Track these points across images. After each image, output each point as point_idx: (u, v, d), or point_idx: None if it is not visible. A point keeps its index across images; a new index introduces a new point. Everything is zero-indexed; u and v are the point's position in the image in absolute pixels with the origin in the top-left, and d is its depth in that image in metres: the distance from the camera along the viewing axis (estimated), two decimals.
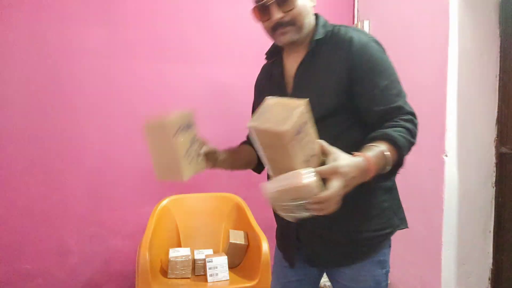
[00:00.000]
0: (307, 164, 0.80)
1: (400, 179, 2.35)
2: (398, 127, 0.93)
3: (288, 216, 0.81)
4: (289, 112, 0.79)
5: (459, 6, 1.93)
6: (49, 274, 2.16)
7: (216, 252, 2.08)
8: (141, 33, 2.28)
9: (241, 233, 2.12)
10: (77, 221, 2.21)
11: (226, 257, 1.94)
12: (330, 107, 1.01)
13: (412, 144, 0.95)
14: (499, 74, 2.04)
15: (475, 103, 2.01)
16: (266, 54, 1.22)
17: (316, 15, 1.11)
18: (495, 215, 2.08)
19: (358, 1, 2.69)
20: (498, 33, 2.03)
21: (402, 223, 1.14)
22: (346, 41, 1.02)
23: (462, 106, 1.98)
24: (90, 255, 2.24)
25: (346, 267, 1.09)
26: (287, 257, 1.20)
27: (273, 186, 0.79)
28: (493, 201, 2.08)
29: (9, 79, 2.07)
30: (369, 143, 0.91)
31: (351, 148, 0.88)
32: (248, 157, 1.24)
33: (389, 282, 2.48)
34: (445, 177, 1.97)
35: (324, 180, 0.78)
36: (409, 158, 2.44)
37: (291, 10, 1.02)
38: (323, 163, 0.82)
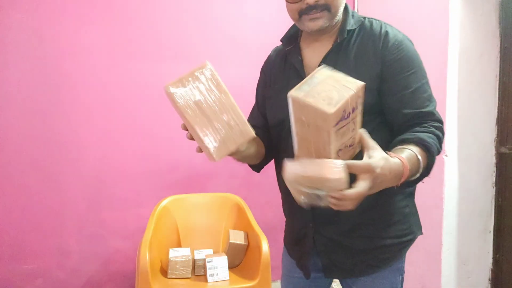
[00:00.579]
0: (342, 153, 0.75)
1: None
2: (430, 133, 0.88)
3: (300, 199, 0.74)
4: (341, 92, 0.70)
5: (459, 6, 1.93)
6: (49, 274, 2.17)
7: (216, 252, 2.08)
8: (141, 33, 2.28)
9: (241, 233, 2.12)
10: (77, 221, 2.21)
11: (226, 257, 1.94)
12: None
13: (439, 153, 0.89)
14: (499, 74, 2.04)
15: (475, 103, 2.01)
16: (282, 39, 1.11)
17: (346, 6, 1.02)
18: (495, 215, 2.08)
19: (358, 1, 2.69)
20: (498, 33, 2.03)
21: (419, 229, 1.10)
22: (381, 36, 0.95)
23: (462, 106, 1.98)
24: (90, 255, 2.24)
25: (365, 276, 1.02)
26: (301, 267, 1.10)
27: (296, 168, 0.72)
28: (493, 201, 2.08)
29: (8, 79, 2.07)
30: (400, 145, 0.85)
31: None
32: (256, 152, 1.04)
33: None
34: (445, 177, 1.97)
35: (353, 175, 0.71)
36: None
37: None
38: (358, 155, 0.77)
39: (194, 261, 1.98)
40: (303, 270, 1.09)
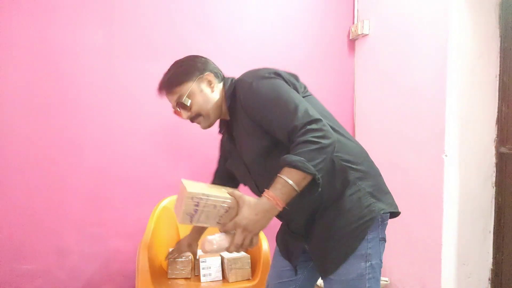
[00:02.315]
0: (222, 220, 1.03)
1: (400, 179, 2.36)
2: (297, 145, 0.99)
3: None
4: (181, 203, 1.00)
5: (459, 6, 1.93)
6: (49, 274, 2.17)
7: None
8: (141, 33, 2.28)
9: None
10: (77, 221, 2.21)
11: (219, 257, 1.94)
12: (264, 147, 1.12)
13: (319, 148, 0.98)
14: (499, 74, 2.04)
15: (475, 103, 2.01)
16: (219, 129, 1.41)
17: (224, 81, 1.28)
18: (495, 215, 2.08)
19: (358, 1, 2.69)
20: (498, 33, 2.03)
21: (391, 207, 1.16)
22: (236, 96, 1.18)
23: (462, 106, 1.98)
24: (90, 255, 2.24)
25: (339, 268, 1.12)
26: (287, 254, 1.33)
27: (201, 249, 1.04)
28: (493, 201, 2.08)
29: (9, 79, 2.07)
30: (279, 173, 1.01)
31: None
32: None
33: (388, 282, 2.48)
34: (445, 177, 1.97)
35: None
36: (409, 158, 2.45)
37: (191, 109, 1.23)
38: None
39: (193, 261, 1.99)
40: (290, 258, 1.31)
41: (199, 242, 1.22)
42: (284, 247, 1.33)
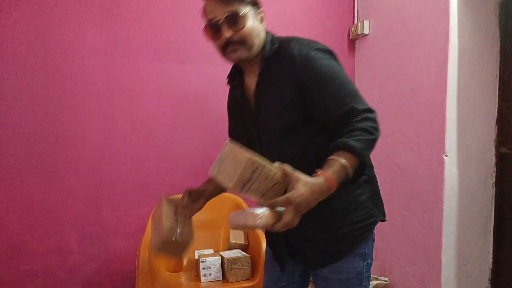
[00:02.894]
0: (267, 195, 0.94)
1: (400, 179, 2.36)
2: (352, 131, 0.96)
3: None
4: (236, 167, 0.90)
5: (459, 6, 1.93)
6: (49, 274, 2.17)
7: (216, 252, 2.09)
8: (142, 33, 2.28)
9: (241, 233, 2.12)
10: (77, 221, 2.21)
11: (219, 257, 1.94)
12: (291, 120, 1.06)
13: (373, 141, 0.98)
14: (499, 74, 2.04)
15: (475, 103, 2.01)
16: (228, 77, 1.26)
17: (266, 32, 1.14)
18: (495, 215, 2.08)
19: (358, 1, 2.69)
20: (498, 33, 2.03)
21: (381, 214, 1.16)
22: (288, 57, 1.07)
23: (462, 106, 1.98)
24: (90, 255, 2.24)
25: (333, 264, 1.12)
26: (279, 263, 1.24)
27: (233, 221, 0.98)
28: (493, 201, 2.08)
29: (9, 79, 2.07)
30: (330, 155, 0.95)
31: (321, 154, 0.97)
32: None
33: (388, 282, 2.48)
34: (445, 177, 1.97)
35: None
36: (409, 158, 2.45)
37: (240, 29, 1.06)
38: (288, 186, 0.93)
39: (196, 260, 1.99)
40: (280, 265, 1.22)
41: (230, 217, 1.03)
42: (275, 253, 1.27)
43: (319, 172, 0.92)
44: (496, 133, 2.06)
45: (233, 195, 2.32)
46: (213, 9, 1.06)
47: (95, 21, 2.19)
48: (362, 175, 1.00)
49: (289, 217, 0.88)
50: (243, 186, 0.91)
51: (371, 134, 0.97)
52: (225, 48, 1.09)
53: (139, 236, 2.22)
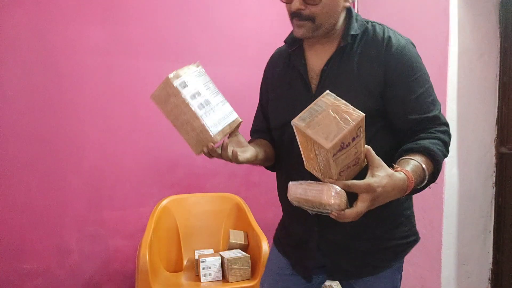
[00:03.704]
0: (344, 173, 0.78)
1: None
2: (435, 139, 0.90)
3: (303, 208, 0.81)
4: (341, 125, 0.72)
5: (459, 6, 1.93)
6: (49, 274, 2.17)
7: (216, 252, 2.09)
8: (142, 31, 2.28)
9: (241, 233, 2.12)
10: (77, 220, 2.21)
11: (219, 257, 1.94)
12: (373, 107, 0.93)
13: (446, 157, 0.92)
14: (499, 74, 2.04)
15: (475, 103, 2.01)
16: (286, 40, 1.09)
17: (349, 9, 1.00)
18: (495, 215, 2.08)
19: (358, 1, 2.69)
20: (498, 33, 2.03)
21: (417, 232, 1.10)
22: (384, 41, 0.95)
23: (462, 106, 1.98)
24: (90, 255, 2.24)
25: (368, 277, 1.03)
26: (302, 268, 1.09)
27: (299, 191, 0.79)
28: (493, 201, 2.08)
29: (9, 78, 2.07)
30: (406, 155, 0.87)
31: (380, 153, 0.81)
32: (265, 156, 1.05)
33: None
34: (445, 177, 1.97)
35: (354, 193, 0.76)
36: None
37: (314, 4, 0.91)
38: (365, 170, 0.80)
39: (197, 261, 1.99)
40: (304, 272, 1.08)
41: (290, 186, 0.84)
42: (300, 262, 1.10)
43: (398, 168, 0.81)
44: (496, 133, 2.06)
45: (233, 195, 2.32)
46: None
47: (96, 20, 2.19)
48: (430, 183, 0.89)
49: (364, 207, 0.74)
50: (338, 150, 0.72)
51: (447, 151, 0.93)
52: (293, 17, 0.95)
53: (139, 236, 2.22)
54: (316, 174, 0.82)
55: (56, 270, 2.18)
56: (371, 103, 0.92)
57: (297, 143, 0.81)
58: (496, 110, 2.06)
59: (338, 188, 0.75)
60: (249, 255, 1.92)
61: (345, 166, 0.77)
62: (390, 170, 0.78)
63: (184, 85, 0.88)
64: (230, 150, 0.88)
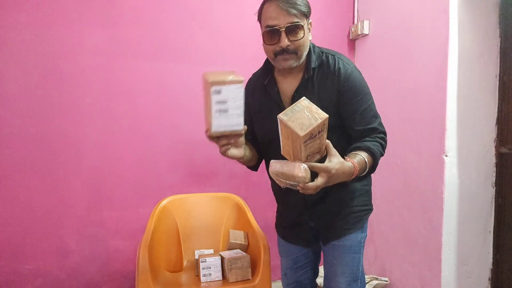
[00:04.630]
0: (310, 157, 1.06)
1: (400, 179, 2.36)
2: (376, 142, 1.22)
3: (281, 185, 1.09)
4: (311, 121, 1.01)
5: (459, 6, 1.93)
6: (49, 274, 2.17)
7: (216, 252, 2.09)
8: (142, 33, 2.28)
9: (241, 233, 2.12)
10: (77, 221, 2.21)
11: (219, 257, 1.94)
12: (331, 124, 1.17)
13: (382, 155, 1.24)
14: (499, 74, 2.04)
15: (475, 103, 2.01)
16: (262, 71, 1.37)
17: (310, 45, 1.28)
18: (495, 215, 2.08)
19: (358, 1, 2.69)
20: (498, 33, 2.03)
21: (372, 206, 1.46)
22: (335, 71, 1.25)
23: (462, 106, 1.98)
24: (90, 255, 2.24)
25: (342, 237, 1.37)
26: (300, 241, 1.47)
27: (277, 166, 1.07)
28: (493, 201, 2.08)
29: (10, 78, 2.07)
30: (354, 151, 1.19)
31: (339, 150, 1.11)
32: (251, 155, 1.39)
33: (388, 282, 2.48)
34: (445, 177, 1.97)
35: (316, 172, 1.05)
36: (409, 158, 2.45)
37: (297, 40, 1.19)
38: (324, 158, 1.08)
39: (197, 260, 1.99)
40: (303, 242, 1.47)
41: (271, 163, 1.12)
42: (298, 237, 1.48)
43: (348, 159, 1.11)
44: (496, 133, 2.06)
45: (233, 195, 2.33)
46: (276, 16, 1.17)
47: (95, 21, 2.19)
48: (368, 175, 1.25)
49: (322, 182, 1.04)
50: (308, 138, 1.01)
51: (383, 151, 1.25)
52: (277, 55, 1.22)
53: (139, 236, 2.22)
54: (288, 158, 1.09)
55: (56, 270, 2.18)
56: (330, 119, 1.14)
57: (280, 149, 1.10)
58: (496, 110, 2.06)
59: (305, 165, 1.03)
60: (249, 255, 1.91)
61: (311, 152, 1.06)
62: (342, 159, 1.08)
63: (217, 92, 1.08)
64: (222, 144, 1.14)
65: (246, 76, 2.61)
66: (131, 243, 2.28)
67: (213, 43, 2.42)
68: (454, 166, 1.98)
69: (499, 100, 2.05)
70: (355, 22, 2.69)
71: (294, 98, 1.26)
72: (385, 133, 1.28)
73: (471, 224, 2.05)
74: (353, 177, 1.12)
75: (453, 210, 2.00)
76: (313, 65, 1.26)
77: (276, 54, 1.21)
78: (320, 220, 1.39)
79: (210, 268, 1.91)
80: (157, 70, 2.32)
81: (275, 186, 1.44)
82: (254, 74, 1.46)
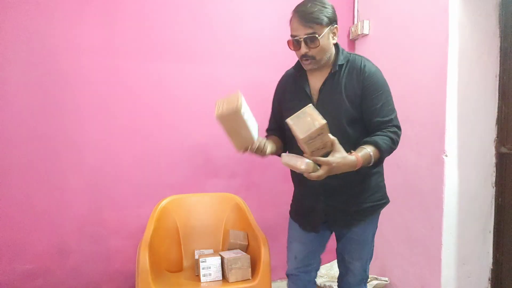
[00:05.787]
0: (315, 152, 1.24)
1: (401, 179, 2.36)
2: (385, 136, 1.37)
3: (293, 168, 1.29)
4: (311, 126, 1.20)
5: (459, 6, 1.93)
6: (49, 274, 2.17)
7: (216, 252, 2.09)
8: (141, 33, 2.28)
9: (241, 233, 2.12)
10: (77, 221, 2.21)
11: (219, 257, 1.94)
12: (349, 116, 1.41)
13: (393, 149, 1.40)
14: (499, 74, 2.04)
15: (475, 103, 2.01)
16: (295, 68, 1.56)
17: (337, 44, 1.46)
18: (495, 215, 2.08)
19: (358, 1, 2.69)
20: (498, 33, 2.03)
21: (388, 197, 1.60)
22: (361, 68, 1.43)
23: (462, 106, 1.98)
24: (90, 255, 2.24)
25: (355, 226, 1.54)
26: (310, 227, 1.60)
27: (286, 159, 1.30)
28: (493, 201, 2.08)
29: (10, 78, 2.07)
30: (362, 145, 1.35)
31: (357, 143, 1.35)
32: (277, 148, 1.55)
33: (388, 282, 2.48)
34: (445, 177, 1.97)
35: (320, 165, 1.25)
36: (409, 158, 2.45)
37: (315, 48, 1.37)
38: (329, 152, 1.25)
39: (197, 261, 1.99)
40: (314, 228, 1.59)
41: (283, 155, 1.35)
42: (311, 222, 1.59)
43: (353, 153, 1.28)
44: (496, 133, 2.06)
45: (233, 195, 2.33)
46: (297, 28, 1.37)
47: (95, 21, 2.20)
48: (377, 167, 1.41)
49: (322, 173, 1.22)
50: (308, 140, 1.20)
51: (394, 144, 1.39)
52: (302, 59, 1.42)
53: (139, 236, 2.22)
54: (302, 150, 1.28)
55: (56, 270, 2.18)
56: (353, 110, 1.41)
57: None
58: (496, 110, 2.06)
59: (308, 160, 1.23)
60: (249, 255, 1.92)
61: (315, 149, 1.24)
62: (345, 153, 1.25)
63: (244, 111, 1.27)
64: (263, 147, 1.38)
65: (245, 76, 2.61)
66: (131, 243, 2.28)
67: (213, 42, 2.42)
68: (454, 166, 1.98)
69: (499, 100, 2.05)
70: (355, 22, 2.69)
71: (321, 91, 1.45)
72: (398, 127, 1.42)
73: (471, 224, 2.04)
74: (358, 167, 1.28)
75: (453, 210, 2.00)
76: (339, 62, 1.44)
77: (301, 58, 1.43)
78: (335, 206, 1.51)
79: (210, 268, 1.91)
80: (157, 70, 2.32)
81: (293, 172, 1.59)
82: (286, 72, 1.65)
